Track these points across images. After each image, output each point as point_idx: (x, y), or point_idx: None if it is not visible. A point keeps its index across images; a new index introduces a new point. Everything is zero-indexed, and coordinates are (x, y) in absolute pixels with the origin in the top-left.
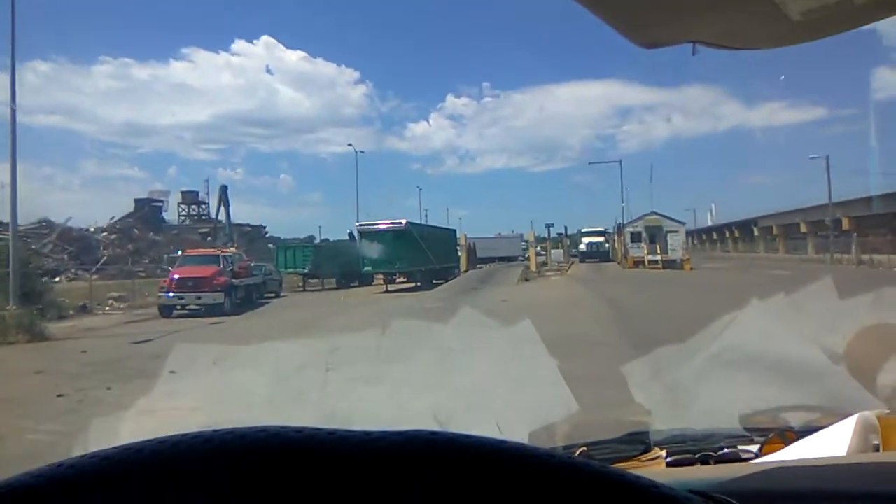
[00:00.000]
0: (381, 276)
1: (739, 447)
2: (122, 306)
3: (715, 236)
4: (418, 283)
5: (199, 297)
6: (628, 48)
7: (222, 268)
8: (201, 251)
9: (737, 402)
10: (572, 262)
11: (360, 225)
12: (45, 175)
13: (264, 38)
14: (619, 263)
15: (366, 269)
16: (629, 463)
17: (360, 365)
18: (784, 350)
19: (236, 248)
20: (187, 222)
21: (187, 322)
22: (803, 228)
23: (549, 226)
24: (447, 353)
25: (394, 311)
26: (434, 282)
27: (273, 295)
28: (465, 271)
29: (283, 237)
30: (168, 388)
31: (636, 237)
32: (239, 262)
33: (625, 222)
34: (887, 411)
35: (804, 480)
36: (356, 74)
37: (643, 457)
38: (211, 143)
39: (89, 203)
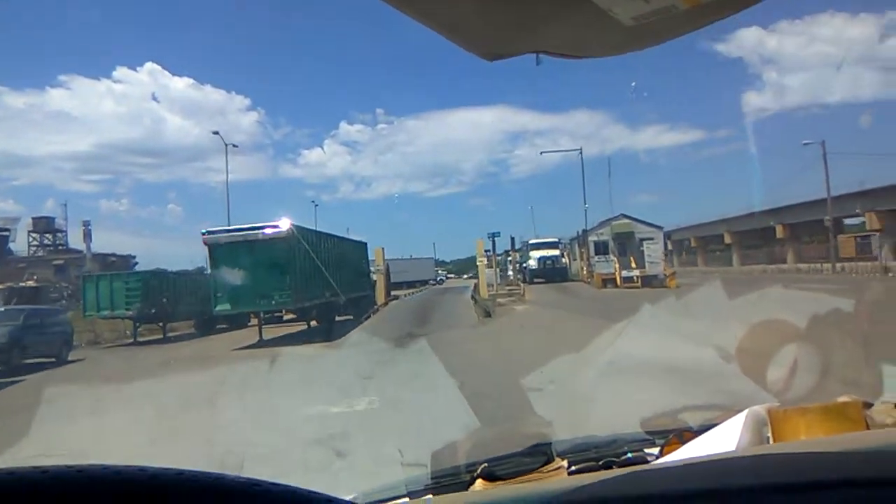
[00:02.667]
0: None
1: (643, 451)
2: None
3: None
4: (311, 325)
5: None
6: (518, 75)
7: None
8: None
9: (637, 407)
10: (520, 285)
11: (210, 234)
12: None
13: (148, 64)
14: (585, 282)
15: (220, 307)
16: (531, 475)
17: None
18: (678, 352)
19: (34, 280)
20: (40, 253)
21: None
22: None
23: (492, 235)
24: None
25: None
26: (339, 319)
27: (52, 360)
28: (384, 303)
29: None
30: None
31: (602, 248)
32: None
33: (586, 229)
34: (777, 404)
35: (698, 480)
36: (247, 101)
37: (545, 468)
38: (93, 174)
39: None
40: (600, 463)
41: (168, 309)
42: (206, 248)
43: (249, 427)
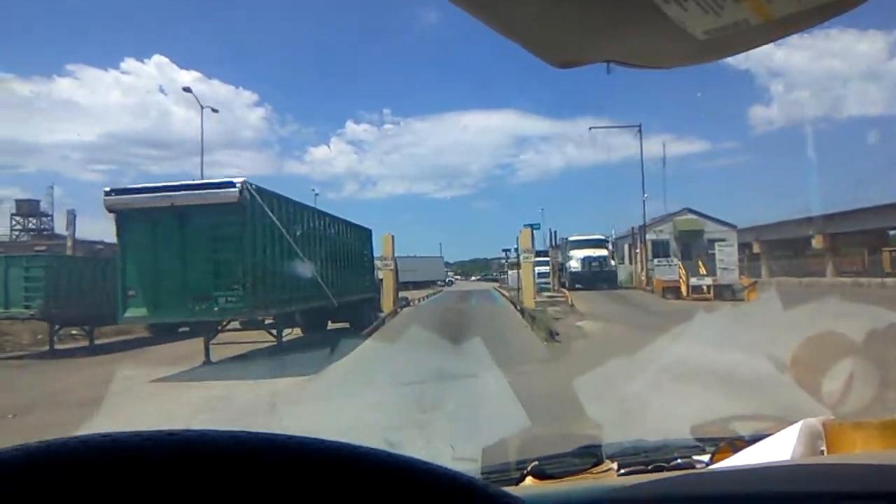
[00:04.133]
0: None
1: (692, 457)
2: None
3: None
4: (282, 340)
5: None
6: (526, 80)
7: None
8: None
9: (688, 414)
10: (563, 292)
11: (117, 194)
12: None
13: (156, 56)
14: (642, 289)
15: (131, 312)
16: (581, 475)
17: None
18: (733, 361)
19: None
20: (24, 237)
21: None
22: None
23: (532, 227)
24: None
25: None
26: (331, 327)
27: None
28: (393, 311)
29: None
30: None
31: (661, 249)
32: None
33: (644, 225)
34: (832, 417)
35: (751, 485)
36: (255, 97)
37: (594, 469)
38: (100, 164)
39: None
40: (650, 467)
41: (89, 308)
42: (111, 218)
43: None
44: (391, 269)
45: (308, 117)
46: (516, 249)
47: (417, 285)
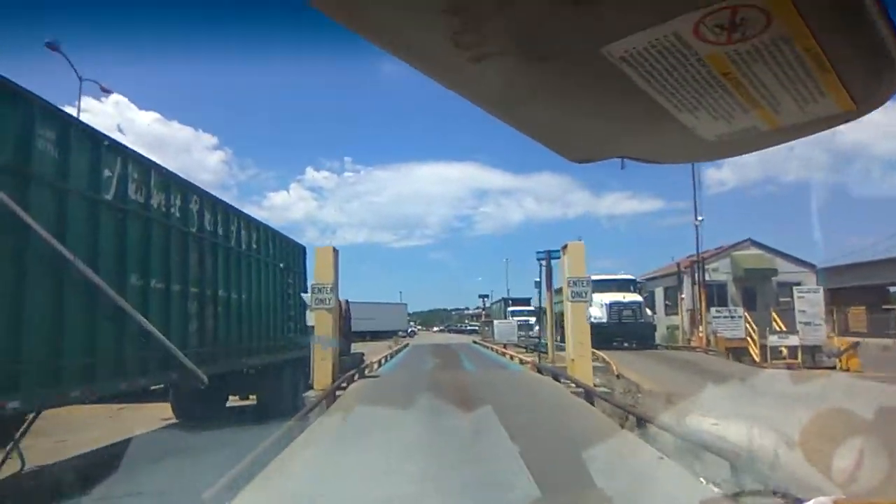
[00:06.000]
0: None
1: None
2: None
3: None
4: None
5: None
6: (487, 133)
7: None
8: None
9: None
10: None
11: None
12: None
13: (114, 96)
14: (702, 350)
15: None
16: None
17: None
18: (742, 435)
19: None
20: None
21: None
22: None
23: (545, 257)
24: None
25: None
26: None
27: None
28: (331, 390)
29: None
30: None
31: (713, 294)
32: None
33: (700, 260)
34: (843, 496)
35: None
36: (214, 140)
37: None
38: None
39: None
40: None
41: None
42: None
43: None
44: (332, 310)
45: (268, 162)
46: (537, 293)
47: (376, 335)
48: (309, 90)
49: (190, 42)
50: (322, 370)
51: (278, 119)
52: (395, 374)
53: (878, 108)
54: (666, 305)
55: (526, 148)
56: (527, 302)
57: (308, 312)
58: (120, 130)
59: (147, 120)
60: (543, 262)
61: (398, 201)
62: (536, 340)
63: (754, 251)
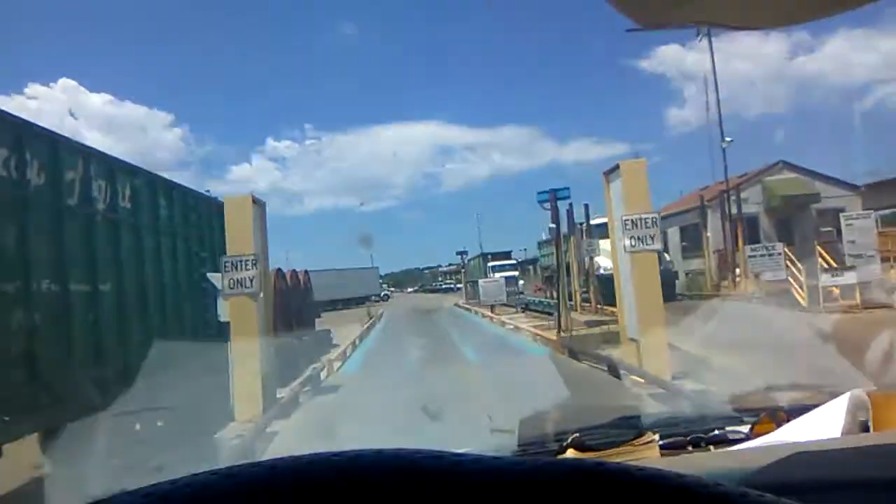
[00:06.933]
0: None
1: (729, 428)
2: None
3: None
4: None
5: None
6: (446, 90)
7: None
8: None
9: (728, 382)
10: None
11: None
12: None
13: (62, 80)
14: (737, 296)
15: None
16: (623, 448)
17: None
18: (774, 330)
19: None
20: None
21: None
22: None
23: (557, 197)
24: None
25: None
26: None
27: None
28: (264, 422)
29: None
30: None
31: (747, 230)
32: None
33: (728, 189)
34: (875, 388)
35: (799, 468)
36: (170, 117)
37: (636, 441)
38: None
39: None
40: (688, 438)
41: None
42: None
43: None
44: (257, 296)
45: (227, 136)
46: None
47: (348, 303)
48: (263, 59)
49: (137, 17)
50: (246, 390)
51: (234, 91)
52: (367, 376)
53: None
54: (683, 248)
55: (488, 102)
56: (507, 255)
57: (220, 301)
58: (72, 115)
59: (99, 102)
60: (547, 206)
61: (363, 165)
62: (526, 300)
63: (788, 175)
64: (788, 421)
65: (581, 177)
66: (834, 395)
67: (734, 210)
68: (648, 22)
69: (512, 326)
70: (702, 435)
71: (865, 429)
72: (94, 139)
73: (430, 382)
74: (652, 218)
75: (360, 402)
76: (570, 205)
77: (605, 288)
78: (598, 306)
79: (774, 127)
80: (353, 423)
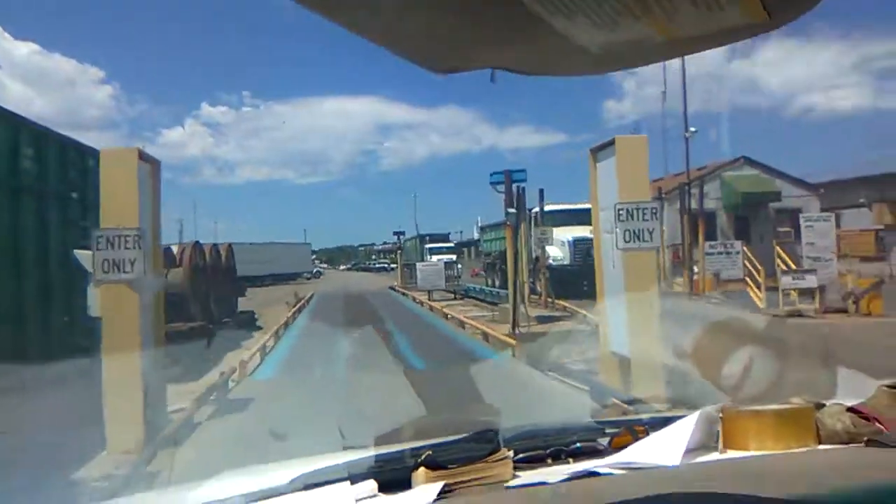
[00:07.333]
0: None
1: (591, 441)
2: None
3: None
4: None
5: None
6: (388, 66)
7: None
8: None
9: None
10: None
11: None
12: None
13: None
14: (678, 293)
15: None
16: (476, 465)
17: None
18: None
19: None
20: None
21: None
22: None
23: (512, 180)
24: None
25: None
26: None
27: None
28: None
29: None
30: None
31: (714, 226)
32: None
33: (689, 182)
34: (729, 404)
35: (647, 488)
36: (101, 73)
37: (489, 458)
38: None
39: None
40: (548, 451)
41: None
42: None
43: None
44: (141, 283)
45: (160, 97)
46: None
47: (278, 279)
48: (202, 17)
49: None
50: (122, 409)
51: (170, 48)
52: (283, 385)
53: (796, 18)
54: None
55: (428, 80)
56: (445, 238)
57: (90, 290)
58: None
59: (25, 51)
60: (501, 188)
61: (300, 137)
62: (465, 286)
63: (749, 171)
64: (647, 434)
65: (518, 164)
66: (692, 409)
67: (693, 204)
68: (441, 68)
69: (457, 322)
70: (563, 448)
71: (716, 441)
72: (17, 91)
73: (364, 396)
74: (651, 208)
75: (272, 422)
76: (523, 188)
77: (557, 280)
78: (549, 300)
79: (723, 122)
80: (257, 451)
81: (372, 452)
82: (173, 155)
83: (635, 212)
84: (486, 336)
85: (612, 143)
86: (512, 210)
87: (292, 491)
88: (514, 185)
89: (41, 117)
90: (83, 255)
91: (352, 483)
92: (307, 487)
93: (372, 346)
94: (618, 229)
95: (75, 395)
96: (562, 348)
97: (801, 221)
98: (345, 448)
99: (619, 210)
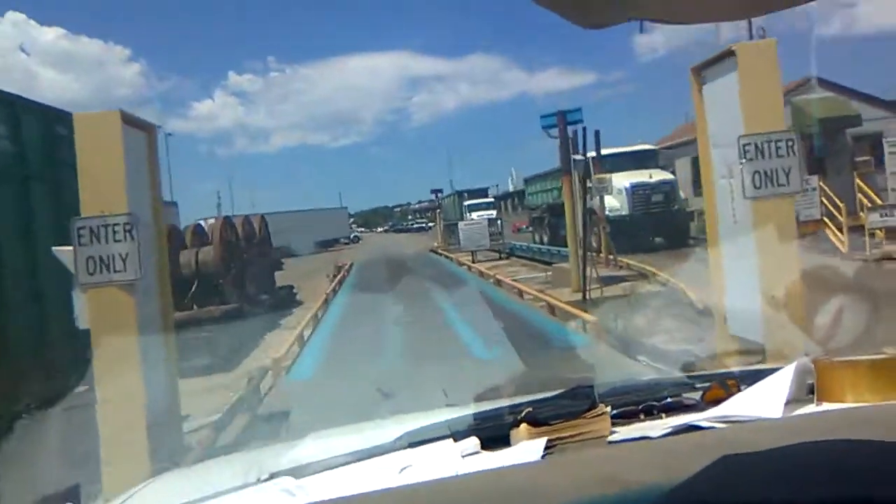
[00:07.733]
0: None
1: (683, 395)
2: None
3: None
4: None
5: None
6: (413, 18)
7: None
8: None
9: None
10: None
11: None
12: None
13: (10, 14)
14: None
15: None
16: (575, 421)
17: None
18: (726, 297)
19: None
20: None
21: None
22: None
23: (566, 120)
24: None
25: None
26: None
27: None
28: None
29: None
30: None
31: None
32: None
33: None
34: (824, 355)
35: (742, 444)
36: (127, 52)
37: (588, 414)
38: None
39: None
40: (640, 407)
41: None
42: None
43: None
44: (135, 286)
45: (188, 70)
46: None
47: (316, 246)
48: None
49: None
50: (120, 441)
51: (192, 22)
52: (322, 387)
53: None
54: (694, 183)
55: (456, 29)
56: (484, 193)
57: (76, 295)
58: (23, 50)
59: (51, 37)
60: (554, 133)
61: (329, 99)
62: (510, 245)
63: (822, 93)
64: (739, 388)
65: (550, 109)
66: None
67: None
68: (588, 22)
69: (517, 291)
70: (655, 403)
71: (810, 393)
72: (48, 77)
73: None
74: (787, 140)
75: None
76: (584, 130)
77: (614, 234)
78: (610, 257)
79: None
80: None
81: (472, 410)
82: (206, 128)
83: (767, 146)
84: (551, 308)
85: (728, 53)
86: (578, 157)
87: (398, 449)
88: (570, 128)
89: (74, 102)
90: (63, 253)
91: (455, 440)
92: (412, 445)
93: (425, 331)
94: (744, 171)
95: (66, 428)
96: (647, 321)
97: (885, 146)
98: (447, 406)
99: (744, 146)
